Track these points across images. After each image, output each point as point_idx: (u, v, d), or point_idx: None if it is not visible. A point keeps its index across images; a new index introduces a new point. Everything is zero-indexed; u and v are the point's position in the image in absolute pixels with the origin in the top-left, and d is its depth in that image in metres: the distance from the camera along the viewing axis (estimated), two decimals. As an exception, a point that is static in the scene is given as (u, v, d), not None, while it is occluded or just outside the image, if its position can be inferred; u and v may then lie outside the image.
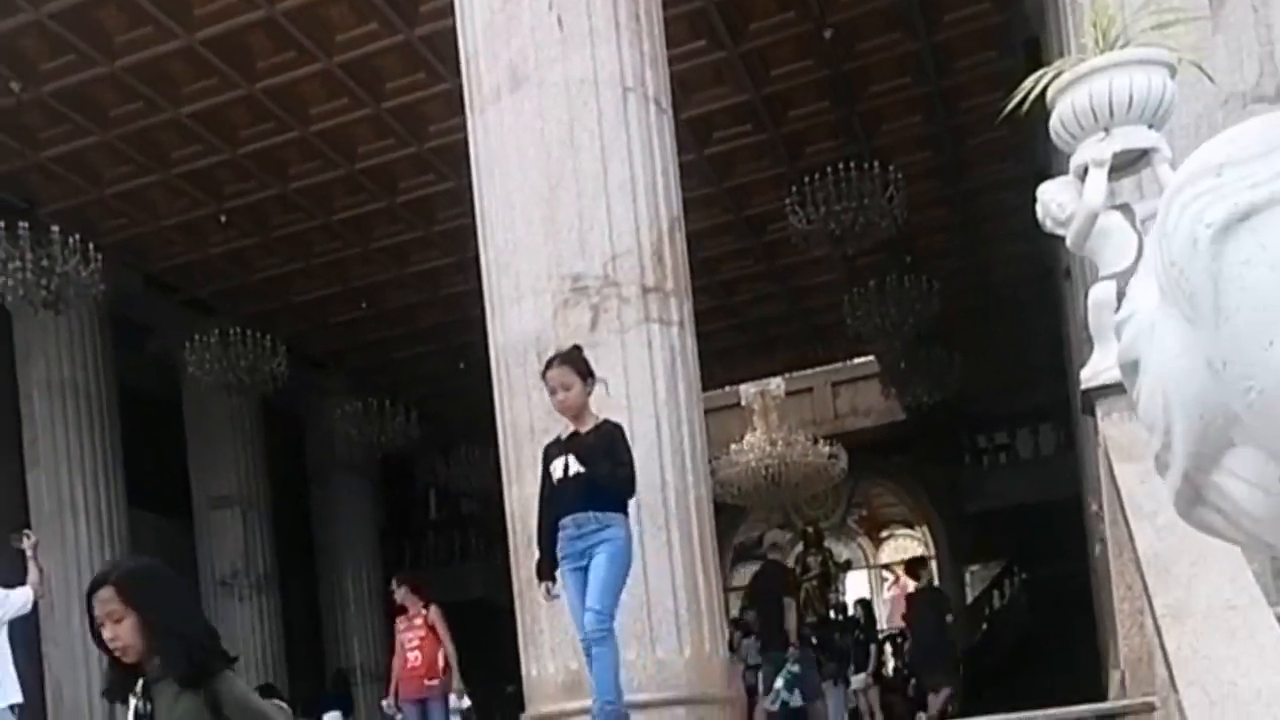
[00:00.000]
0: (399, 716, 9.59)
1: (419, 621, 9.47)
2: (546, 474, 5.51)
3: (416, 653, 9.39)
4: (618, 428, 5.51)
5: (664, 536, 6.32)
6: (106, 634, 2.98)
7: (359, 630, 18.43)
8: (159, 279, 15.07)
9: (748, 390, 19.48)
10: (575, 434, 5.45)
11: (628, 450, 5.47)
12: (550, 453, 5.52)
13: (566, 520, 5.37)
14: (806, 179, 12.46)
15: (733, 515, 20.19)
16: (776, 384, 19.65)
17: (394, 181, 13.55)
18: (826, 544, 21.04)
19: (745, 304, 17.38)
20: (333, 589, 18.71)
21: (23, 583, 8.20)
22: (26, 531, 8.58)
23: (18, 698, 8.20)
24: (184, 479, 16.47)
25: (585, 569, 5.34)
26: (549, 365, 5.52)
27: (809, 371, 21.22)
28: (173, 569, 3.32)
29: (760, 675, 11.89)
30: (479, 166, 6.80)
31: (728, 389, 19.67)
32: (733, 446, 18.42)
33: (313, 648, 18.36)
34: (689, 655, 6.32)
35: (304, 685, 16.55)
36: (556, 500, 5.44)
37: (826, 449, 18.49)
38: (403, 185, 13.62)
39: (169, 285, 15.28)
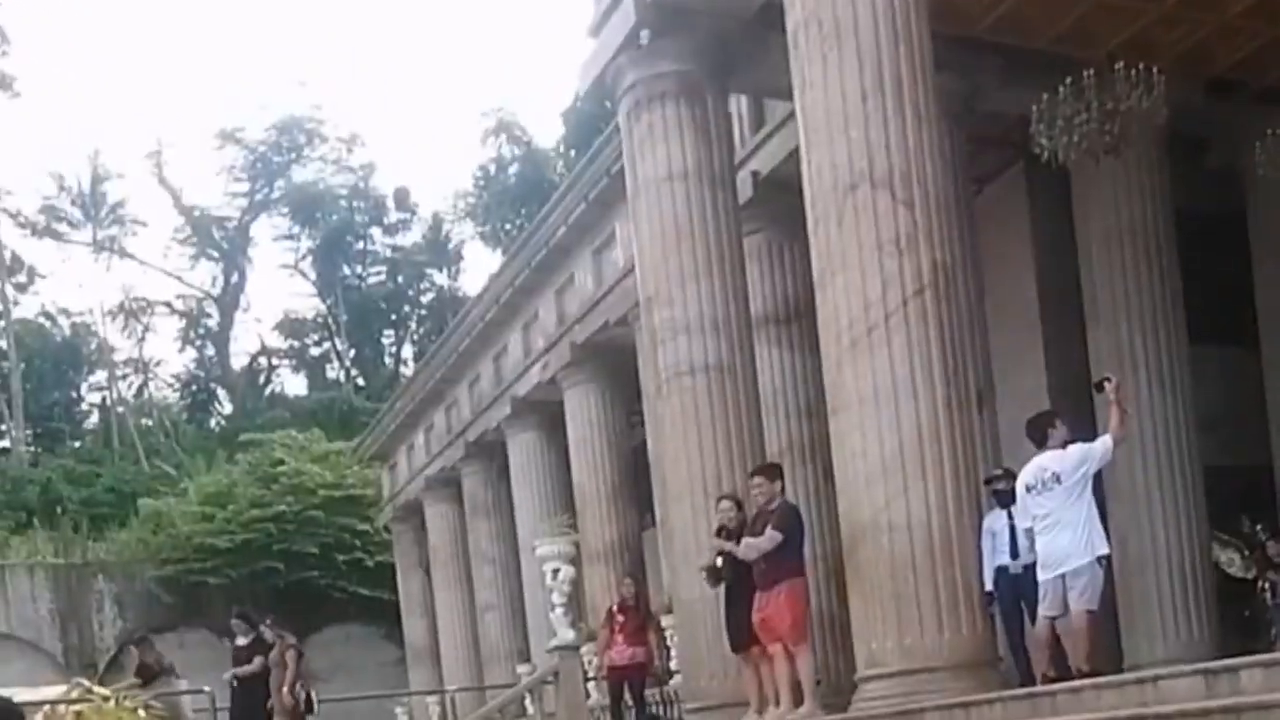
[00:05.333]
0: None
1: None
2: None
3: None
4: None
5: None
6: None
7: None
8: (1222, 81, 13.56)
9: None
10: None
11: None
12: None
13: None
14: None
15: None
16: None
17: None
18: None
19: None
20: None
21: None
22: (1108, 377, 8.60)
23: (1105, 549, 8.43)
24: (1249, 303, 14.68)
25: None
26: None
27: None
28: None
29: None
30: None
31: None
32: None
33: None
34: None
35: None
36: None
37: None
38: None
39: (1232, 85, 13.68)
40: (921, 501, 8.76)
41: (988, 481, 10.14)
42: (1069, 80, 11.42)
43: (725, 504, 10.46)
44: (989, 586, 9.43)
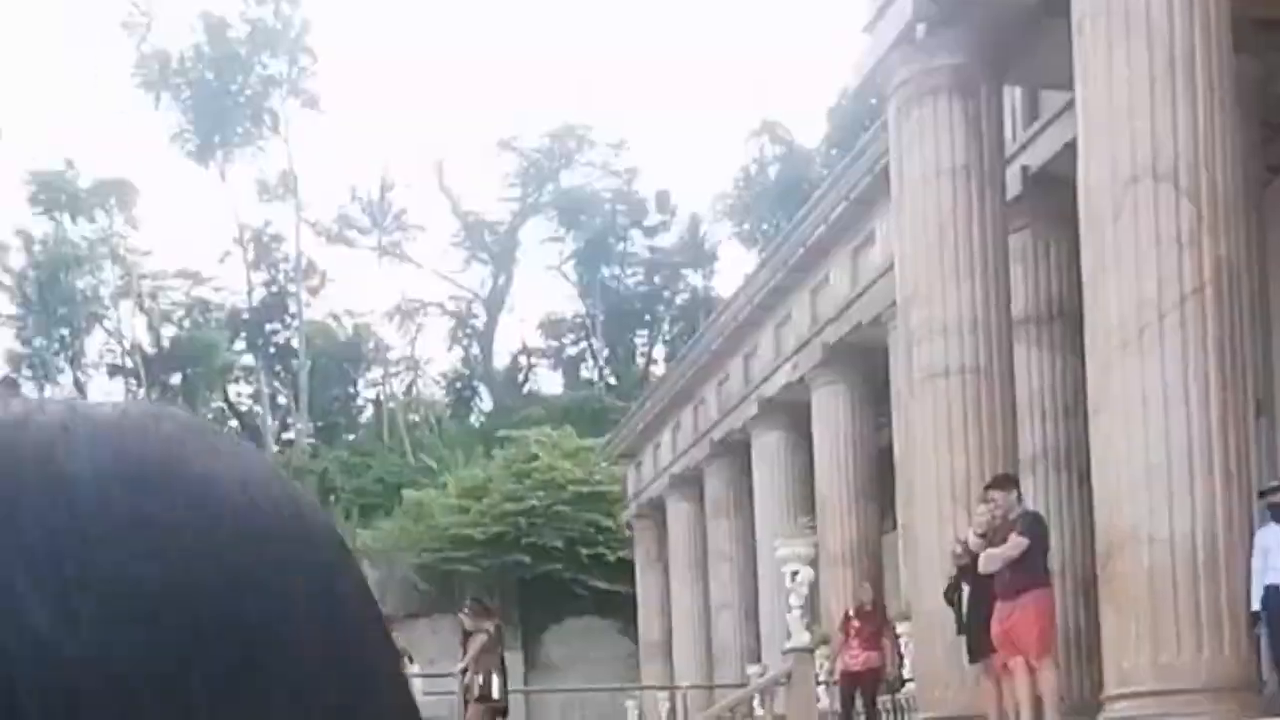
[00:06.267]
0: None
1: None
2: None
3: None
4: None
5: None
6: None
7: None
8: None
9: None
10: None
11: None
12: None
13: None
14: None
15: None
16: None
17: None
18: None
19: None
20: None
21: None
22: None
23: None
24: None
25: None
26: None
27: None
28: None
29: None
30: None
31: None
32: None
33: None
34: None
35: None
36: None
37: None
38: None
39: None
40: (1187, 513, 8.29)
41: (1262, 494, 9.47)
42: None
43: (983, 509, 10.06)
44: (1255, 605, 8.78)
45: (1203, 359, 8.40)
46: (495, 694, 14.40)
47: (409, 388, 54.44)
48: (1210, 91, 8.63)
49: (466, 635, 15.34)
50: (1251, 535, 8.91)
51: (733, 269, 53.79)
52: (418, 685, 16.06)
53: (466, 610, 15.72)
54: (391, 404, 51.04)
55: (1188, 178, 8.56)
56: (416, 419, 49.96)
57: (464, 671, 14.67)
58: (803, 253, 19.45)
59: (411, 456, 45.32)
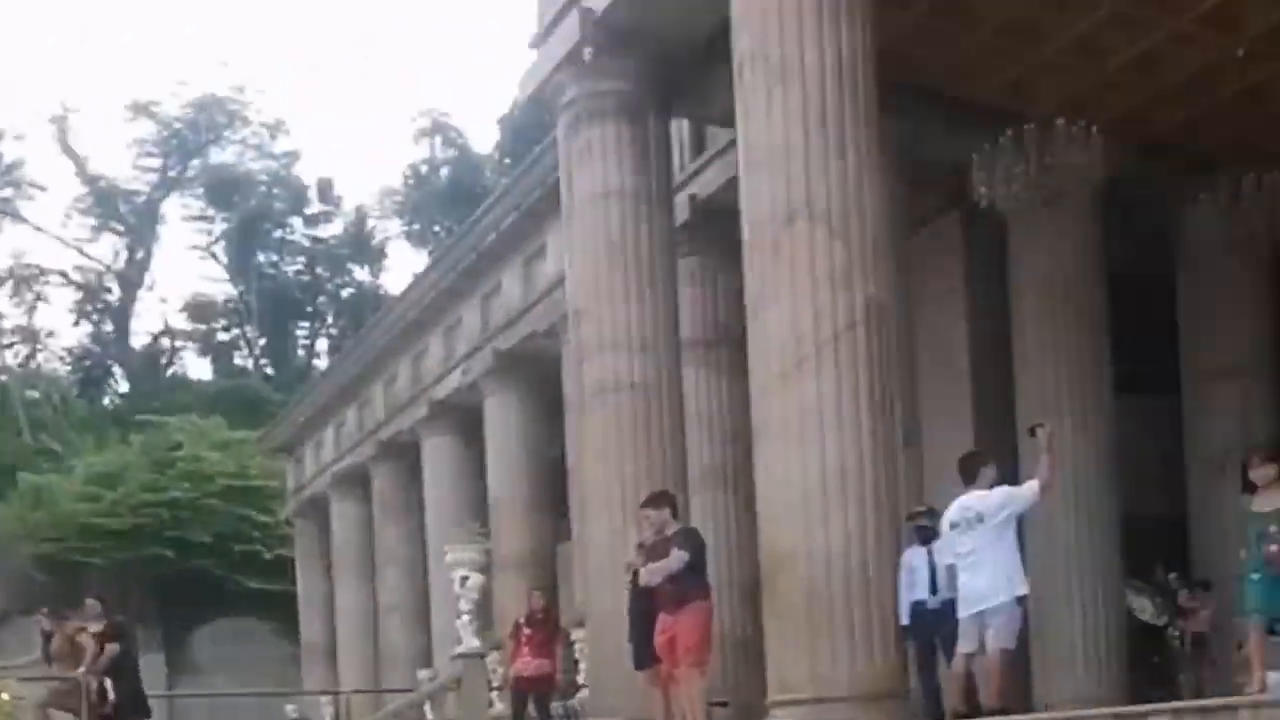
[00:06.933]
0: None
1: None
2: None
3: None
4: None
5: None
6: None
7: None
8: (1157, 144, 13.86)
9: None
10: None
11: None
12: None
13: None
14: None
15: None
16: None
17: None
18: None
19: None
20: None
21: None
22: (1041, 424, 8.65)
23: (1024, 590, 8.50)
24: (1173, 354, 15.14)
25: None
26: None
27: None
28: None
29: None
30: None
31: None
32: None
33: None
34: None
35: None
36: None
37: None
38: None
39: (1166, 148, 13.98)
40: (841, 532, 8.91)
41: (910, 517, 10.32)
42: (1009, 132, 11.78)
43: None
44: (904, 621, 9.60)
45: (855, 391, 9.02)
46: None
47: (26, 360, 50.16)
48: (859, 145, 9.26)
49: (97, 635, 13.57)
50: (899, 555, 9.72)
51: (402, 267, 53.06)
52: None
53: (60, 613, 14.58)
54: (4, 377, 46.75)
55: (840, 222, 9.16)
56: (36, 395, 46.06)
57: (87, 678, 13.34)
58: (474, 258, 19.52)
59: (29, 437, 41.89)
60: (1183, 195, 13.96)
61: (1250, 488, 7.68)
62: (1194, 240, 13.95)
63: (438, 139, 47.86)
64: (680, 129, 14.25)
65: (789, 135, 9.31)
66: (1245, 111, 13.41)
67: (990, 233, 14.08)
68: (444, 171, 47.57)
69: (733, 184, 10.48)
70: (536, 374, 19.07)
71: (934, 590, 9.98)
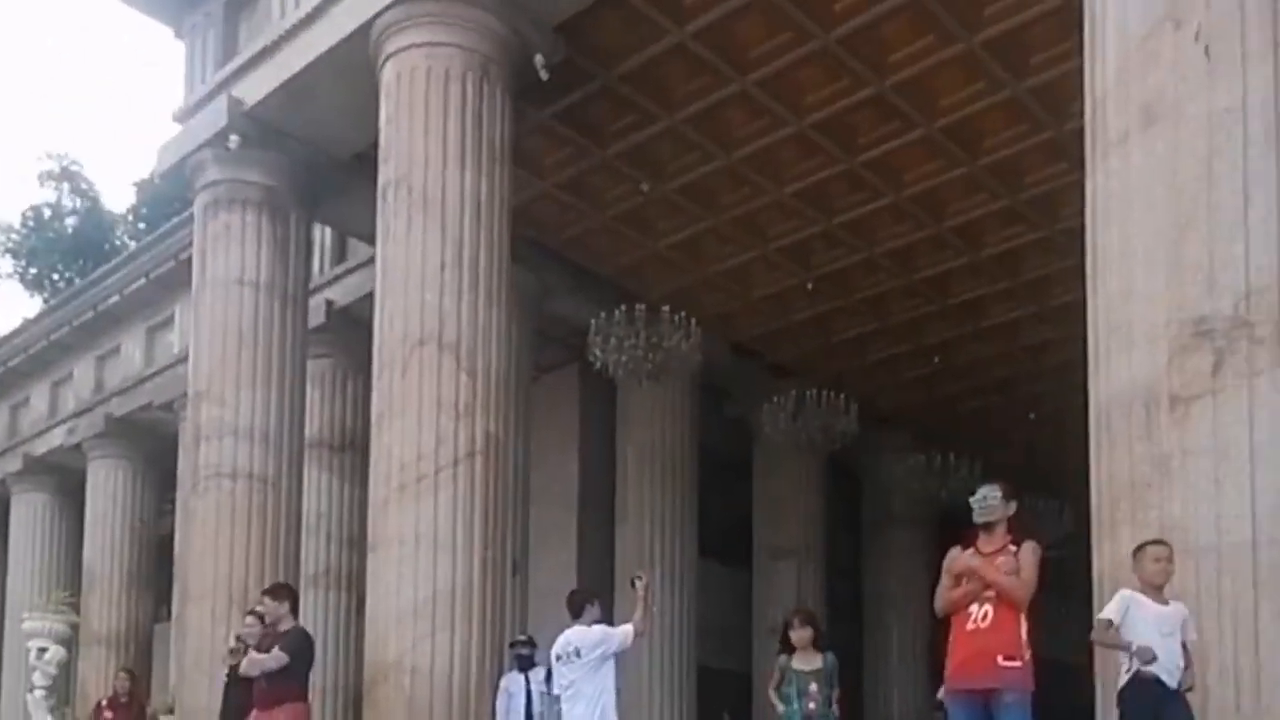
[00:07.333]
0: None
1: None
2: None
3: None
4: None
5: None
6: None
7: (900, 681, 18.34)
8: (745, 347, 16.10)
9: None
10: None
11: None
12: None
13: None
14: None
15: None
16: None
17: (980, 236, 13.67)
18: None
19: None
20: (877, 639, 18.74)
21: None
22: (639, 575, 8.92)
23: None
24: (748, 532, 17.41)
25: None
26: None
27: None
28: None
29: None
30: (1095, 212, 6.60)
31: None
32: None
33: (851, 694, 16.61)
34: None
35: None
36: None
37: None
38: (989, 239, 13.72)
39: (752, 351, 16.23)
40: (447, 649, 9.33)
41: (512, 645, 10.76)
42: (624, 307, 13.03)
43: (251, 619, 10.45)
44: None
45: (469, 516, 9.50)
46: None
47: None
48: (491, 285, 9.86)
49: None
50: (499, 677, 10.18)
51: (11, 310, 49.04)
52: None
53: None
54: None
55: (468, 356, 9.68)
56: None
57: None
58: (93, 316, 18.67)
59: None
60: (762, 394, 15.93)
61: (790, 649, 8.66)
62: (769, 435, 15.81)
63: (65, 186, 44.93)
64: (324, 232, 14.38)
65: (426, 263, 9.74)
66: (810, 335, 15.84)
67: (604, 392, 15.47)
68: (70, 220, 44.71)
69: (370, 298, 10.69)
70: (151, 446, 18.43)
71: (529, 717, 10.43)
